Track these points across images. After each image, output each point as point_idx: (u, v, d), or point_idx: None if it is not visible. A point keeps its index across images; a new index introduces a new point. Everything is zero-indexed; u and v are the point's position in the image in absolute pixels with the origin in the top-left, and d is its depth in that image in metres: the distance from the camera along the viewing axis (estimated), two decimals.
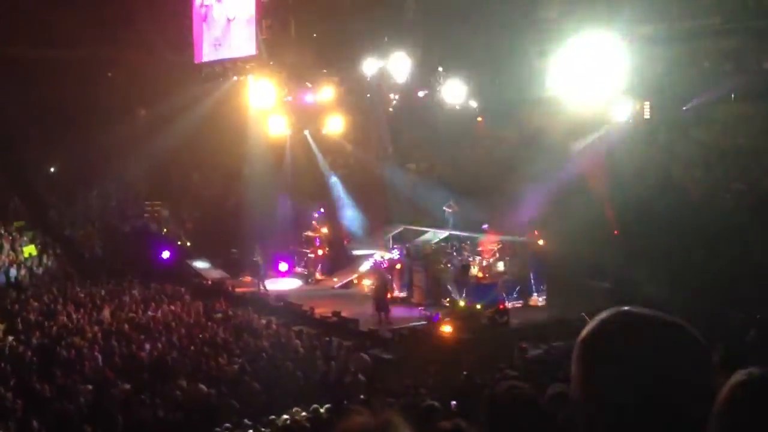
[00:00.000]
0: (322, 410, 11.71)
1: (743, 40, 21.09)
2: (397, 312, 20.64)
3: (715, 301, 15.30)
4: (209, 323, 19.18)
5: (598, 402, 1.47)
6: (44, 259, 26.89)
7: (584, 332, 1.54)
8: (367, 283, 23.49)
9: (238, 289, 24.75)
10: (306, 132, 28.58)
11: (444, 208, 24.25)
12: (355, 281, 25.05)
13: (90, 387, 13.63)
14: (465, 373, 13.20)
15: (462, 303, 20.07)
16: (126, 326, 18.38)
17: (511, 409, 2.99)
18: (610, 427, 1.45)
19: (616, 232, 20.52)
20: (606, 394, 1.46)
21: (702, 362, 1.47)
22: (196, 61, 28.35)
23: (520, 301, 21.36)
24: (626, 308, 1.54)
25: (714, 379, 1.47)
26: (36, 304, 20.79)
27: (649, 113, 23.39)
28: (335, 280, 25.75)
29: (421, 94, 25.61)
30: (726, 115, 21.84)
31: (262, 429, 10.98)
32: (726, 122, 21.71)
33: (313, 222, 27.14)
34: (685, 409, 1.42)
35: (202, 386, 13.65)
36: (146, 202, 31.51)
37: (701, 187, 20.47)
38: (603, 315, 1.55)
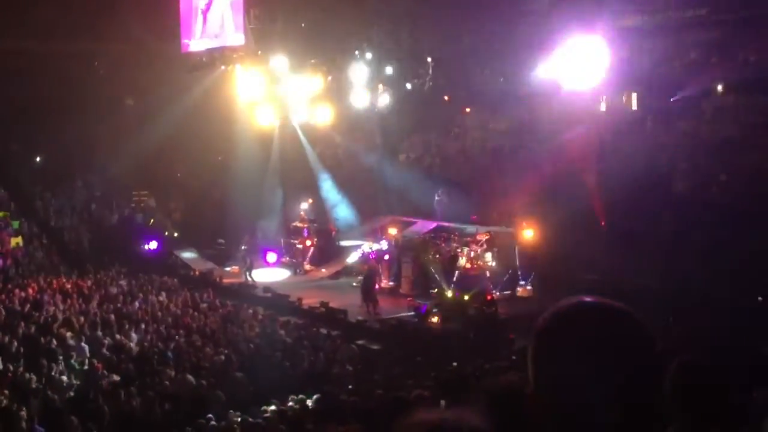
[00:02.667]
0: (309, 401, 11.74)
1: (730, 32, 21.18)
2: (385, 303, 20.68)
3: (700, 293, 15.41)
4: (196, 314, 19.13)
5: (547, 390, 1.52)
6: (30, 250, 26.72)
7: (537, 322, 1.59)
8: (356, 276, 23.50)
9: (225, 280, 24.70)
10: (294, 122, 28.48)
11: (436, 196, 24.28)
12: (343, 272, 25.04)
13: (77, 379, 13.60)
14: (454, 364, 13.26)
15: (450, 294, 20.12)
16: (113, 317, 18.31)
17: (509, 402, 3.00)
18: (558, 415, 1.49)
19: (602, 223, 20.61)
20: (554, 382, 1.51)
21: (647, 350, 1.51)
22: (183, 51, 28.18)
23: (508, 292, 21.43)
24: (579, 298, 1.59)
25: (660, 366, 1.52)
26: (22, 294, 20.66)
27: (636, 104, 23.50)
28: (323, 270, 25.75)
29: (409, 85, 25.61)
30: (713, 107, 21.95)
31: (250, 419, 10.98)
32: (713, 114, 21.82)
33: (301, 212, 27.09)
34: (630, 396, 1.46)
35: (190, 377, 13.64)
36: (133, 193, 31.37)
37: (688, 178, 20.58)
38: (556, 306, 1.60)
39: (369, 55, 24.24)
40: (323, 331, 17.79)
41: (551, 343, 1.54)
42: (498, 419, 3.03)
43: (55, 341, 15.74)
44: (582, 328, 1.52)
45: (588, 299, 1.59)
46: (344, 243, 26.22)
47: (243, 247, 25.44)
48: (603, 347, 1.48)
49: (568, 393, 1.48)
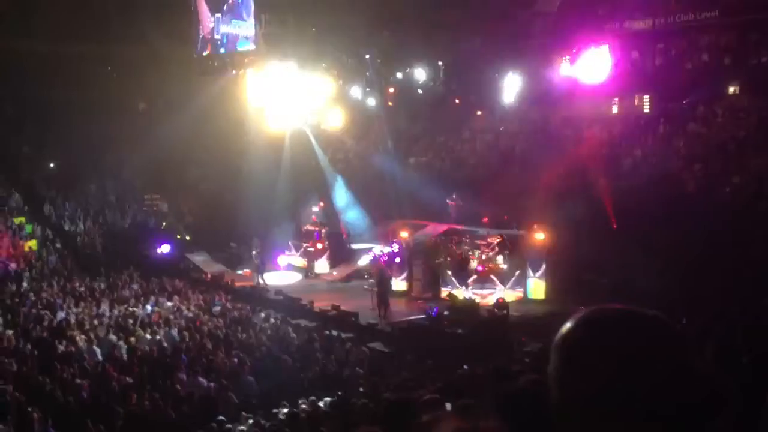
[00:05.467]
0: (321, 403, 11.74)
1: (742, 34, 21.07)
2: (396, 305, 20.67)
3: (712, 295, 15.31)
4: (208, 317, 19.20)
5: (574, 401, 1.47)
6: (44, 254, 26.90)
7: (563, 330, 1.53)
8: (367, 278, 23.49)
9: (237, 283, 24.77)
10: (305, 126, 28.55)
11: (447, 201, 24.24)
12: (355, 275, 25.03)
13: (89, 381, 13.66)
14: (465, 366, 13.21)
15: (461, 296, 20.09)
16: (125, 320, 18.40)
17: (533, 404, 2.98)
18: (586, 425, 1.45)
19: (614, 225, 20.52)
20: (582, 393, 1.46)
21: (682, 356, 1.46)
22: (195, 55, 28.34)
23: (520, 294, 21.39)
24: (606, 306, 1.53)
25: (695, 372, 1.46)
26: (36, 298, 20.81)
27: (648, 107, 23.41)
28: (334, 273, 25.77)
29: (420, 89, 25.62)
30: (724, 109, 21.83)
31: (261, 422, 11.00)
32: (724, 116, 21.70)
33: (313, 216, 27.14)
34: (664, 403, 1.41)
35: (202, 379, 13.68)
36: (145, 196, 31.52)
37: (700, 180, 20.47)
38: (582, 313, 1.53)
39: (379, 60, 24.28)
40: (334, 333, 17.81)
41: (579, 354, 1.46)
42: (516, 421, 3.02)
43: (68, 344, 15.84)
44: (614, 338, 1.43)
45: (616, 306, 1.50)
46: (355, 246, 26.23)
47: (255, 251, 25.51)
48: (637, 358, 1.40)
49: (598, 406, 1.41)
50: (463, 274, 21.31)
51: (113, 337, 16.66)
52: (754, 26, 20.71)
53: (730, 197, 19.43)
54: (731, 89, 22.05)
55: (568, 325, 1.52)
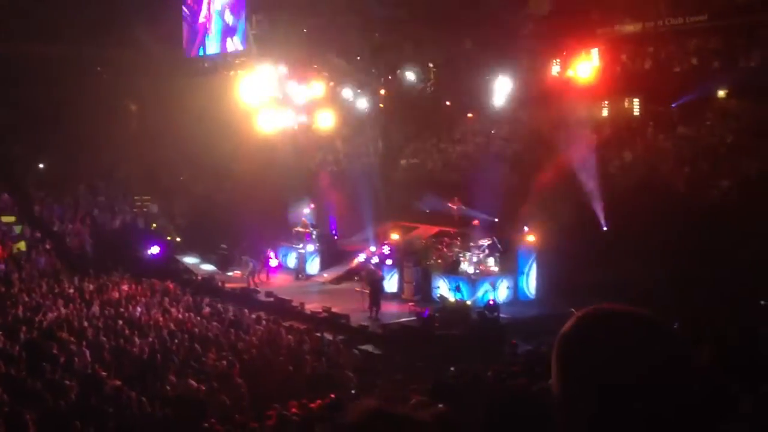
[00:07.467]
0: (312, 405, 11.73)
1: (730, 38, 21.21)
2: (387, 308, 20.68)
3: (701, 297, 15.40)
4: (198, 318, 19.14)
5: (575, 399, 1.49)
6: (33, 255, 26.74)
7: (563, 330, 1.56)
8: (358, 280, 23.49)
9: (227, 285, 24.72)
10: (296, 127, 28.53)
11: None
12: (345, 277, 25.03)
13: (78, 383, 13.60)
14: (452, 368, 13.24)
15: (452, 299, 20.12)
16: (115, 322, 18.32)
17: (521, 406, 3.00)
18: (587, 423, 1.47)
19: (604, 228, 20.62)
20: (582, 392, 1.48)
21: (678, 358, 1.48)
22: (185, 57, 28.28)
23: (510, 297, 21.44)
24: (604, 306, 1.55)
25: (690, 374, 1.48)
26: (25, 299, 20.68)
27: (637, 110, 23.52)
28: (325, 275, 25.75)
29: (411, 90, 25.64)
30: (713, 113, 21.96)
31: (252, 424, 10.98)
32: (713, 119, 21.83)
33: (303, 218, 27.11)
34: (661, 404, 1.43)
35: (192, 382, 13.64)
36: (135, 197, 31.41)
37: (689, 183, 20.58)
38: (581, 312, 1.56)
39: (370, 61, 24.30)
40: (326, 336, 17.79)
41: (576, 355, 1.50)
42: (506, 425, 3.03)
43: (56, 346, 15.75)
44: (610, 338, 1.47)
45: (611, 306, 1.55)
46: (346, 248, 26.22)
47: (246, 254, 25.47)
48: (633, 358, 1.44)
49: (596, 403, 1.44)
50: (454, 276, 21.34)
51: (103, 339, 16.58)
52: (743, 30, 20.84)
53: (718, 200, 19.54)
54: (720, 93, 22.18)
55: (565, 326, 1.55)
